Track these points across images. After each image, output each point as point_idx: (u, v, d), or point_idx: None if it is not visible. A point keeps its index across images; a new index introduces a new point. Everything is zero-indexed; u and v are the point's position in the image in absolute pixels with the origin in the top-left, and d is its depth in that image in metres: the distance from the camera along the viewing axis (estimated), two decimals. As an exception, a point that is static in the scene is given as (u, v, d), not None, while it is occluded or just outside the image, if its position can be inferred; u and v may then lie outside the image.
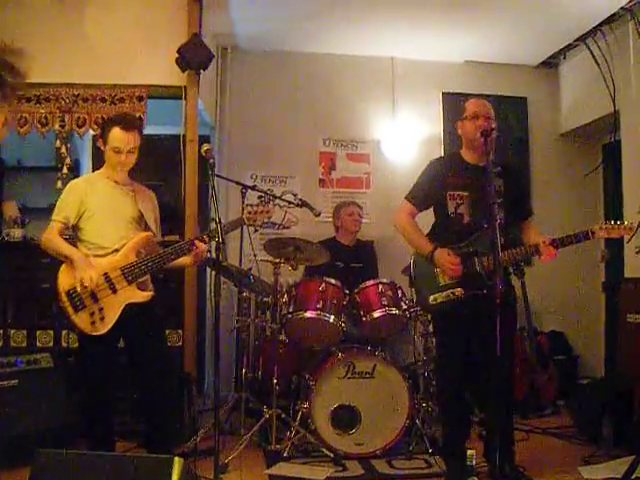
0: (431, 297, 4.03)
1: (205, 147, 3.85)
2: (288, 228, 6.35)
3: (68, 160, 5.95)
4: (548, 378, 5.99)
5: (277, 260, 4.98)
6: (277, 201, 4.96)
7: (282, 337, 4.97)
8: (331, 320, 4.78)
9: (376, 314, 4.80)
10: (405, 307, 4.91)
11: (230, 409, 5.21)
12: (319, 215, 5.22)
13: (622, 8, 5.52)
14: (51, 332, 5.14)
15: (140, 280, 3.93)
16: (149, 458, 2.86)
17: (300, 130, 6.78)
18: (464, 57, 6.92)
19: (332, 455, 4.52)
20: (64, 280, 3.78)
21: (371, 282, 4.96)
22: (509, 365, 4.10)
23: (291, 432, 4.69)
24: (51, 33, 5.31)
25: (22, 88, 2.06)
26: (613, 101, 5.89)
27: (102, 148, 4.04)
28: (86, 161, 6.85)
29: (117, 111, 5.18)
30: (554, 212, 6.72)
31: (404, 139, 6.78)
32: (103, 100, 5.32)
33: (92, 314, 3.76)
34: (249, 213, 4.19)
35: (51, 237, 3.87)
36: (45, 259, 4.11)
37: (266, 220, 4.31)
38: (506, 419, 4.00)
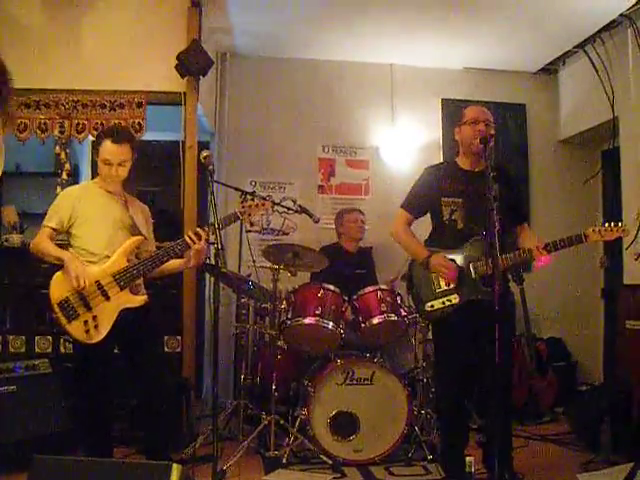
0: (428, 304, 4.05)
1: (204, 153, 3.85)
2: (287, 234, 6.39)
3: (67, 166, 5.97)
4: (547, 384, 5.98)
5: (276, 266, 4.97)
6: (276, 207, 4.97)
7: (281, 343, 4.96)
8: (330, 326, 4.77)
9: (375, 320, 4.80)
10: (404, 313, 4.91)
11: (229, 415, 5.19)
12: (318, 221, 5.22)
13: (621, 15, 5.54)
14: (50, 338, 5.14)
15: (133, 284, 3.93)
16: (147, 465, 2.86)
17: (299, 136, 6.79)
18: (463, 64, 6.93)
19: (331, 462, 4.51)
20: (56, 291, 3.77)
21: (370, 288, 4.96)
22: (507, 371, 4.10)
23: (290, 438, 4.68)
24: (50, 40, 5.32)
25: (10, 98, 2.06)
26: (612, 107, 5.90)
27: (96, 159, 4.05)
28: (85, 167, 6.85)
29: (117, 117, 5.20)
30: (553, 218, 6.72)
31: (403, 145, 6.79)
32: (102, 106, 5.33)
33: (86, 323, 3.75)
34: (243, 207, 4.19)
35: (40, 241, 3.88)
36: (44, 265, 4.10)
37: (262, 214, 4.32)
38: (505, 426, 4.00)
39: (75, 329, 3.75)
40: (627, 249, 5.38)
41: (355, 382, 4.69)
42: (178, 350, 5.29)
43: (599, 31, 5.91)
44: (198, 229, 3.98)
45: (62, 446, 4.20)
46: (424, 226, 4.30)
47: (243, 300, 5.64)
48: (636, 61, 5.57)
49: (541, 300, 6.58)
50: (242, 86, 6.73)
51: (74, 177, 6.37)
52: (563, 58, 6.73)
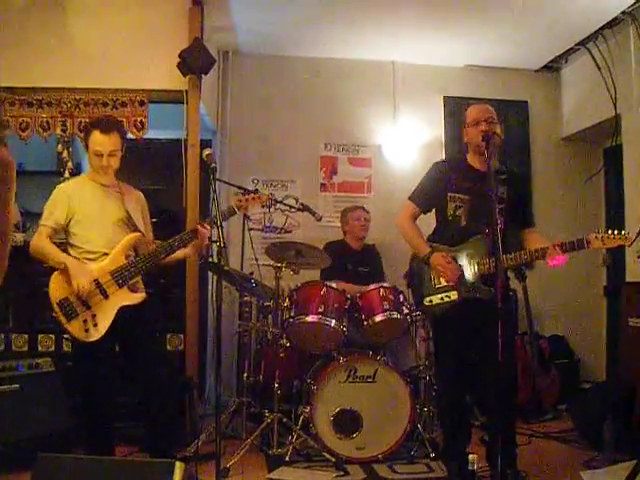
0: (426, 299, 4.07)
1: (206, 152, 3.85)
2: (289, 232, 6.39)
3: (70, 164, 5.97)
4: (550, 382, 5.97)
5: (279, 264, 4.97)
6: (279, 205, 4.97)
7: (284, 341, 4.96)
8: (332, 324, 4.77)
9: (378, 318, 4.80)
10: (407, 311, 4.91)
11: (232, 413, 5.20)
12: (320, 219, 5.22)
13: (623, 12, 5.54)
14: (52, 336, 5.15)
15: (131, 282, 3.93)
16: (151, 463, 2.86)
17: (301, 134, 6.79)
18: (465, 61, 6.92)
19: (334, 459, 4.51)
20: (55, 290, 3.78)
21: (373, 286, 4.96)
22: (510, 369, 4.09)
23: (293, 436, 4.68)
24: (52, 38, 5.31)
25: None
26: (614, 105, 5.89)
27: (86, 152, 4.06)
28: (87, 165, 6.84)
29: (119, 115, 5.18)
30: (555, 216, 6.73)
31: (405, 143, 6.79)
32: (105, 104, 5.33)
33: (85, 321, 3.77)
34: (239, 201, 4.19)
35: (41, 243, 3.87)
36: (46, 263, 4.10)
37: (258, 205, 4.32)
38: (508, 423, 4.00)
39: (75, 328, 3.76)
40: (629, 247, 5.37)
41: (358, 380, 4.69)
42: (181, 348, 5.29)
43: (601, 28, 5.90)
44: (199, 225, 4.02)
45: (65, 444, 4.21)
46: (427, 222, 4.30)
47: (246, 298, 5.64)
48: (638, 58, 5.57)
49: (543, 298, 6.58)
50: (244, 84, 6.73)
51: (76, 175, 6.36)
52: (565, 56, 6.72)
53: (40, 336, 5.15)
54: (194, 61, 5.18)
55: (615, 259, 6.45)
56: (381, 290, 4.91)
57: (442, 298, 4.00)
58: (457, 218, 4.04)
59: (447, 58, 6.81)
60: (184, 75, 5.25)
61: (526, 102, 7.08)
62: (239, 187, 4.99)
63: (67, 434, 4.42)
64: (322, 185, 6.79)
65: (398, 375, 4.73)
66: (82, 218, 3.92)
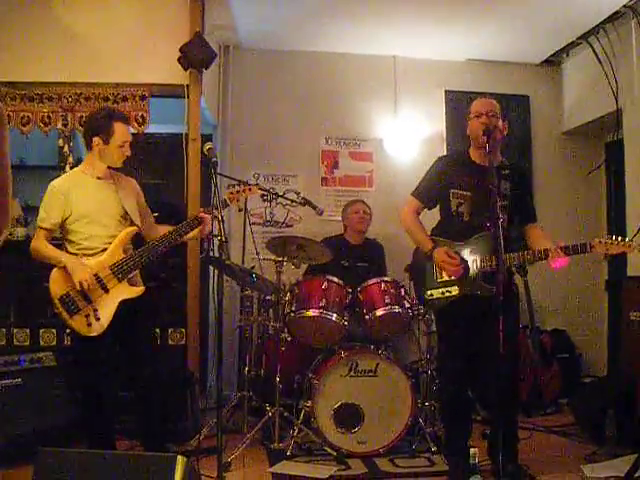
0: (427, 292, 4.08)
1: (207, 146, 3.85)
2: (291, 226, 6.39)
3: (70, 159, 5.97)
4: (551, 376, 5.98)
5: (280, 258, 4.97)
6: (280, 200, 4.98)
7: (285, 335, 4.96)
8: (334, 318, 4.78)
9: (379, 312, 4.80)
10: (408, 305, 4.91)
11: (233, 408, 5.21)
12: (321, 213, 5.22)
13: (625, 6, 5.52)
14: (54, 330, 5.15)
15: (130, 276, 3.94)
16: (152, 457, 2.86)
17: (302, 128, 6.78)
18: (466, 55, 6.91)
19: (335, 453, 4.52)
20: (56, 286, 3.80)
21: (374, 280, 4.96)
22: (513, 363, 4.10)
23: (294, 430, 4.68)
24: (53, 33, 5.32)
25: None
26: (616, 99, 5.89)
27: (98, 145, 3.97)
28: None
29: (120, 110, 5.16)
30: (556, 210, 6.72)
31: (407, 137, 6.78)
32: (105, 99, 5.33)
33: (87, 316, 3.79)
34: (231, 194, 4.20)
35: (39, 246, 3.87)
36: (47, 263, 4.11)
37: (251, 197, 4.34)
38: (510, 418, 4.01)
39: (77, 323, 3.78)
40: (632, 240, 5.36)
41: (359, 374, 4.69)
42: (182, 343, 5.29)
43: (603, 22, 5.89)
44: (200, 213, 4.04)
45: (67, 438, 4.22)
46: (431, 217, 4.31)
47: (247, 292, 5.64)
48: (640, 52, 5.57)
49: (545, 292, 6.58)
50: (245, 79, 6.72)
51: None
52: (567, 50, 6.71)
53: (42, 331, 5.15)
54: (195, 55, 5.18)
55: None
56: (382, 284, 4.92)
57: (443, 292, 4.01)
58: (460, 214, 4.05)
59: (448, 52, 6.79)
60: (185, 69, 5.25)
61: (527, 96, 7.06)
62: (240, 181, 4.98)
63: (69, 428, 4.43)
64: (323, 179, 6.79)
65: (399, 369, 4.73)
66: (80, 216, 3.91)
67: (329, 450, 4.55)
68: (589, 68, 6.35)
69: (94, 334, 3.79)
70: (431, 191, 4.19)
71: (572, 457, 4.49)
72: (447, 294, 3.99)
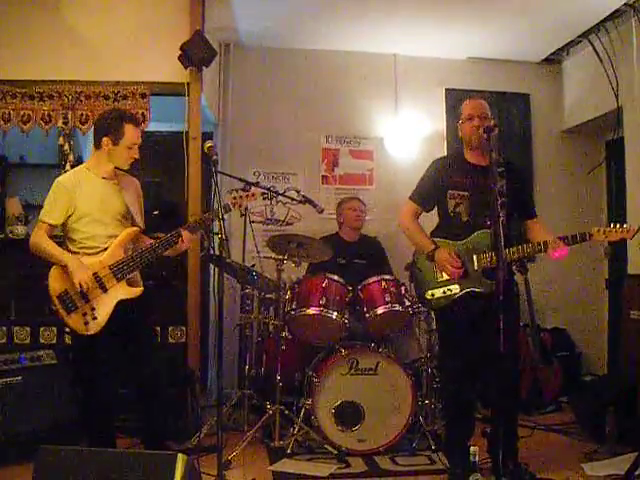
0: (429, 292, 4.08)
1: (208, 144, 3.84)
2: (291, 225, 6.39)
3: (71, 157, 5.95)
4: (551, 375, 5.97)
5: (280, 257, 4.97)
6: (280, 198, 4.97)
7: (285, 334, 4.96)
8: (334, 317, 4.78)
9: (379, 310, 4.80)
10: (408, 304, 4.91)
11: (233, 406, 5.20)
12: (322, 212, 5.21)
13: (625, 4, 5.52)
14: (54, 329, 5.16)
15: (129, 276, 3.94)
16: (153, 455, 2.86)
17: (303, 127, 6.77)
18: (467, 53, 6.91)
19: (335, 452, 4.53)
20: (55, 284, 3.79)
21: (374, 278, 4.96)
22: (514, 362, 4.11)
23: (294, 429, 4.69)
24: (53, 31, 5.31)
25: None
26: (616, 97, 5.88)
27: (107, 145, 3.96)
28: (89, 157, 6.84)
29: (121, 108, 5.17)
30: (557, 208, 6.71)
31: (407, 136, 6.77)
32: (106, 97, 5.33)
33: (84, 315, 3.78)
34: (234, 199, 4.19)
35: (40, 240, 3.85)
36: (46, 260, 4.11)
37: (253, 201, 4.32)
38: (510, 416, 4.01)
39: (74, 321, 3.78)
40: (631, 239, 5.37)
41: (359, 372, 4.69)
42: (183, 341, 5.30)
43: (603, 21, 5.88)
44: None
45: (67, 436, 4.22)
46: (429, 218, 4.30)
47: (247, 291, 5.64)
48: (641, 51, 5.56)
49: (545, 290, 6.58)
50: (245, 77, 6.72)
51: (78, 168, 6.37)
52: (567, 48, 6.70)
53: (42, 329, 5.16)
54: (195, 54, 5.17)
55: (617, 251, 6.44)
56: (383, 282, 4.92)
57: (444, 291, 4.02)
58: (458, 214, 4.06)
59: (449, 50, 6.79)
60: (185, 68, 5.25)
61: (528, 94, 7.05)
62: (240, 179, 4.98)
63: (69, 426, 4.43)
64: (324, 177, 6.79)
65: (400, 367, 4.73)
66: (83, 214, 3.90)
67: (329, 448, 4.56)
68: (589, 66, 6.35)
69: (91, 332, 3.78)
70: (428, 193, 4.20)
71: (572, 455, 4.50)
72: (448, 292, 4.00)
